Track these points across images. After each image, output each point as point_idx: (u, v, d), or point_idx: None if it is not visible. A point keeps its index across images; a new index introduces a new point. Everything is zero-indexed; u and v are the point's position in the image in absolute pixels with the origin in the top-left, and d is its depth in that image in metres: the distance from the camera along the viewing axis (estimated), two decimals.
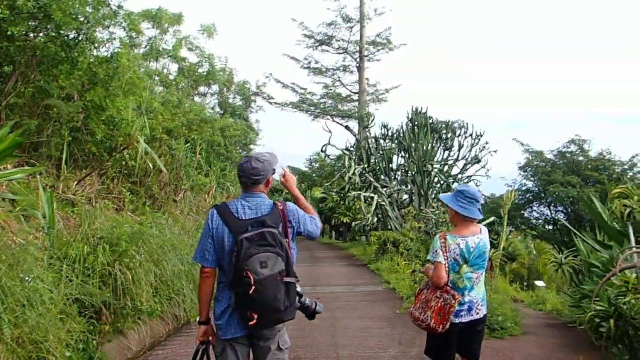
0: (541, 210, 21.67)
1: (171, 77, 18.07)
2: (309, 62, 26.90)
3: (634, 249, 4.97)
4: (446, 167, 16.70)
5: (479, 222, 3.15)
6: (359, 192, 15.68)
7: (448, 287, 2.97)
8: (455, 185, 14.91)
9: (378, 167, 17.40)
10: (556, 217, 20.54)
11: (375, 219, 16.05)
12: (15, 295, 3.37)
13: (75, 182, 7.31)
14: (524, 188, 21.43)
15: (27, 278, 3.63)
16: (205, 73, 18.86)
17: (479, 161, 16.57)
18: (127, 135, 8.37)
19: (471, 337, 3.10)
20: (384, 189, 16.14)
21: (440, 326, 2.93)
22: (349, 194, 16.30)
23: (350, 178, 16.00)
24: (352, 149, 18.49)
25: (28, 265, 3.72)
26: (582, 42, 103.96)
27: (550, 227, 21.01)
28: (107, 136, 8.19)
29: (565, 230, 17.49)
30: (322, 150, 19.05)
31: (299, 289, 2.44)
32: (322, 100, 27.40)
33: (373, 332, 5.82)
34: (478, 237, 3.03)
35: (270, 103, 26.58)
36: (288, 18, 48.07)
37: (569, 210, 19.70)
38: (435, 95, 78.23)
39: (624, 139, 62.14)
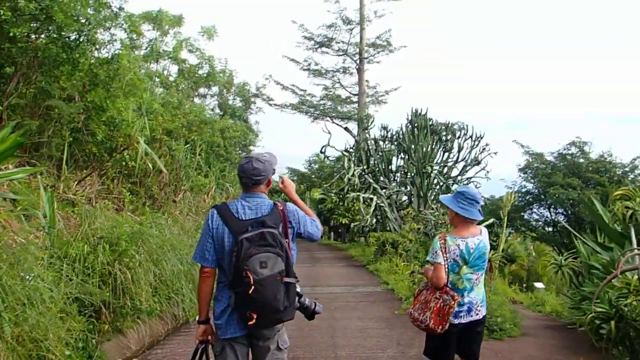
0: (541, 212, 21.59)
1: (171, 78, 18.08)
2: (309, 64, 26.86)
3: (636, 251, 4.96)
4: (446, 169, 16.66)
5: (479, 223, 3.15)
6: (358, 193, 15.66)
7: (447, 288, 2.97)
8: (454, 187, 14.91)
9: (377, 169, 17.40)
10: (556, 219, 20.50)
11: (374, 220, 16.04)
12: (16, 294, 3.39)
13: (76, 182, 7.32)
14: (523, 190, 21.36)
15: (27, 277, 3.65)
16: (205, 75, 18.86)
17: (478, 163, 16.56)
18: (127, 136, 8.39)
19: (470, 338, 3.10)
20: (383, 190, 16.14)
21: (440, 327, 2.93)
22: (348, 195, 16.29)
23: (349, 179, 16.00)
24: (351, 150, 18.49)
25: (29, 264, 3.74)
26: (582, 42, 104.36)
27: (550, 229, 20.94)
28: (107, 137, 8.21)
29: (565, 232, 17.46)
30: (321, 152, 19.04)
31: (298, 289, 2.44)
32: (321, 101, 27.36)
33: (372, 333, 5.83)
34: (478, 238, 3.03)
35: (270, 104, 26.55)
36: (288, 20, 48.20)
37: (569, 212, 19.64)
38: (435, 95, 78.33)
39: (624, 139, 62.26)
